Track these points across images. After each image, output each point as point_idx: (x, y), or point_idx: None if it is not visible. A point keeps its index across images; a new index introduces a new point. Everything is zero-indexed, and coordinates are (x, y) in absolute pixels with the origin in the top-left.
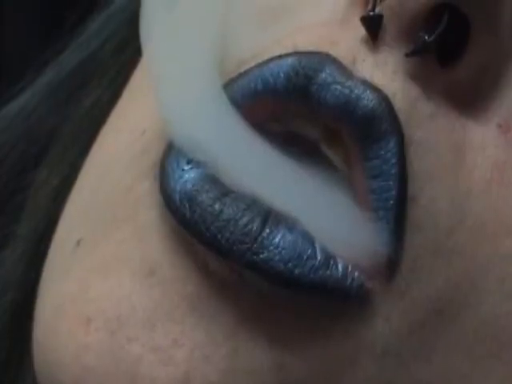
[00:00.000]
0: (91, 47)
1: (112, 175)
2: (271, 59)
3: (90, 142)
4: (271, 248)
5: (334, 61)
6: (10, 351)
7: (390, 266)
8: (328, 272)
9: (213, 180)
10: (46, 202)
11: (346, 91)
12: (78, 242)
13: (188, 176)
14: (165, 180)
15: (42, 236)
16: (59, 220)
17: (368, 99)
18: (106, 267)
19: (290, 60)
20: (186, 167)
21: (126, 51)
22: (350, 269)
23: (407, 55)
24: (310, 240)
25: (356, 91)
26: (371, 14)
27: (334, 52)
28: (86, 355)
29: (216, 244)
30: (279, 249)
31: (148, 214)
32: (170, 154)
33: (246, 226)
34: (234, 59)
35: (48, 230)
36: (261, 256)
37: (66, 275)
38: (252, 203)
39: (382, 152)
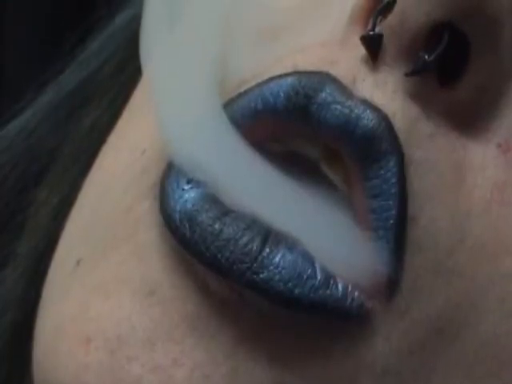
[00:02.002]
0: (91, 67)
1: (112, 195)
2: (271, 79)
3: (90, 162)
4: (271, 268)
5: (334, 80)
6: (10, 371)
7: (390, 286)
8: (328, 292)
9: (213, 200)
10: (46, 222)
11: (346, 111)
12: (78, 262)
13: (188, 196)
14: (165, 200)
15: (42, 255)
16: (59, 239)
17: (368, 119)
18: (105, 287)
19: (289, 80)
20: (185, 187)
21: (126, 71)
22: (350, 288)
23: (407, 75)
24: (309, 260)
25: (356, 111)
26: (371, 33)
27: (333, 71)
28: (86, 375)
29: (216, 263)
30: (279, 268)
31: (148, 233)
32: (170, 174)
33: (245, 245)
34: (235, 79)
35: (48, 250)
36: (261, 275)
37: (66, 295)
38: (252, 223)
39: (382, 171)
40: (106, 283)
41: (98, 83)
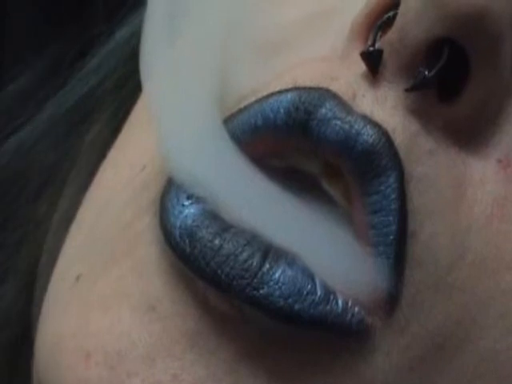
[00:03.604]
0: (91, 83)
1: (112, 210)
2: (271, 94)
3: (90, 177)
4: (271, 283)
5: (334, 96)
6: None
7: (390, 302)
8: (328, 307)
9: (213, 215)
10: (46, 237)
11: (346, 126)
12: (78, 277)
13: (188, 211)
14: (165, 215)
15: (41, 270)
16: (59, 255)
17: (368, 134)
18: (105, 302)
19: (290, 95)
20: (186, 203)
21: (125, 86)
22: (350, 304)
23: (407, 90)
24: (309, 275)
25: (356, 126)
26: (371, 49)
27: (333, 87)
28: None
29: (216, 279)
30: (279, 284)
31: (148, 249)
32: (170, 190)
33: (245, 261)
34: (235, 94)
35: (48, 265)
36: (261, 291)
37: (66, 310)
38: (252, 238)
39: (382, 187)
40: (105, 298)
41: (97, 99)
